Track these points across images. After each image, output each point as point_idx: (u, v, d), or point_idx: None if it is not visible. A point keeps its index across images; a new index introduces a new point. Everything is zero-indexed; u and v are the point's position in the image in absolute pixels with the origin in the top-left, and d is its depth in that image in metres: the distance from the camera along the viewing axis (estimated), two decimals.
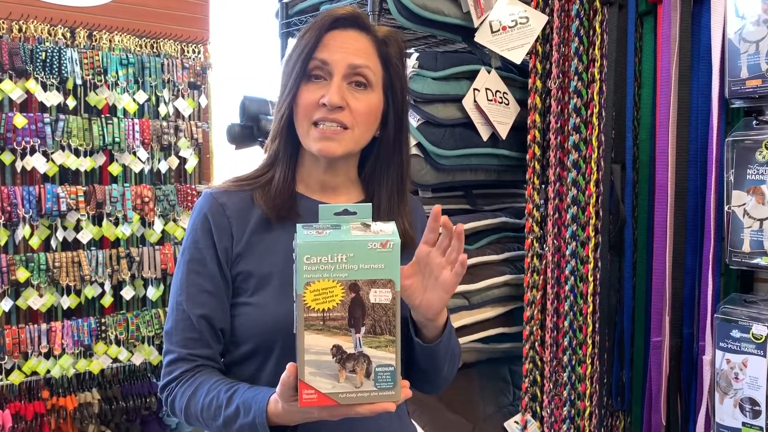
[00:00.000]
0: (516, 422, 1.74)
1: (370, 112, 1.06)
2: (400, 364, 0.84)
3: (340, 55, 1.03)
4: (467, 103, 1.71)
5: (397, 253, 0.84)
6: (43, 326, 3.00)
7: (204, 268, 1.04)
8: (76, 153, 3.09)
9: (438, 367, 1.09)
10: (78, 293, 3.12)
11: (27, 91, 2.95)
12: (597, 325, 1.62)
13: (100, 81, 3.13)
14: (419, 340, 1.04)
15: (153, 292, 3.30)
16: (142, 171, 3.30)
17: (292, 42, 2.30)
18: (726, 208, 1.41)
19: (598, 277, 1.61)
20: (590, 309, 1.62)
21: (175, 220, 3.37)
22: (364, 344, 0.83)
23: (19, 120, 2.89)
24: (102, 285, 3.16)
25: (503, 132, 1.76)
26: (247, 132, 2.71)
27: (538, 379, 1.72)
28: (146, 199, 3.24)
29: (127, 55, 3.21)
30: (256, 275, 1.04)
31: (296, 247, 0.83)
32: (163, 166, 3.35)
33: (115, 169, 3.20)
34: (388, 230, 0.86)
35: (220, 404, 0.96)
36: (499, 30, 1.71)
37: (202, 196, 1.10)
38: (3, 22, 2.94)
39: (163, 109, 3.33)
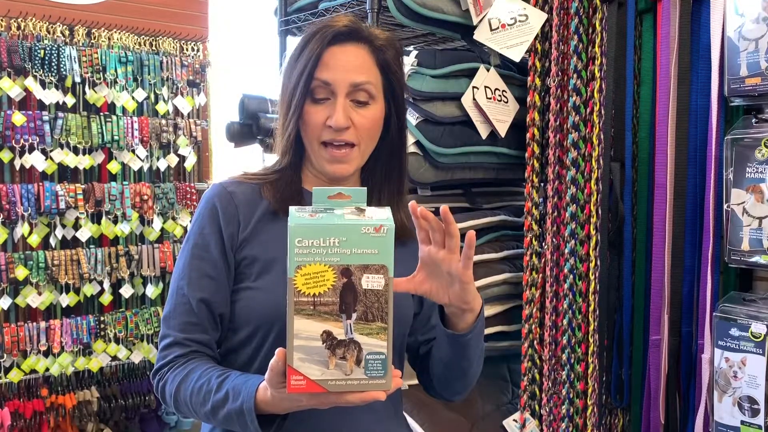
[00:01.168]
0: (515, 420, 1.74)
1: (374, 126, 1.09)
2: (391, 352, 0.82)
3: (342, 75, 1.05)
4: (466, 101, 1.70)
5: (391, 238, 0.81)
6: (42, 324, 3.00)
7: (207, 254, 1.06)
8: (75, 151, 3.08)
9: (469, 362, 1.07)
10: (77, 291, 3.11)
11: (26, 89, 2.94)
12: (596, 324, 1.62)
13: (99, 79, 3.12)
14: (452, 332, 1.02)
15: (152, 290, 3.30)
16: (141, 169, 3.30)
17: (291, 40, 2.30)
18: (725, 206, 1.40)
19: (597, 275, 1.61)
20: (589, 307, 1.62)
21: (174, 219, 3.37)
22: (355, 331, 0.81)
23: (18, 118, 2.89)
24: (101, 283, 3.15)
25: (502, 130, 1.76)
26: (246, 130, 2.71)
27: (537, 377, 1.72)
28: (145, 197, 3.24)
29: (126, 53, 3.21)
30: (260, 260, 1.05)
31: (288, 229, 0.81)
32: (162, 164, 3.35)
33: (114, 167, 3.20)
34: (382, 215, 0.84)
35: (210, 389, 0.96)
36: (498, 28, 1.71)
37: (211, 187, 1.12)
38: (2, 20, 2.93)
39: (162, 107, 3.33)
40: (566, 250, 1.65)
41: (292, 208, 0.85)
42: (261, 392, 0.89)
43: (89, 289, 3.11)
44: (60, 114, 3.02)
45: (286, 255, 0.81)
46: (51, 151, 3.01)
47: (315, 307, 0.80)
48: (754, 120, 1.40)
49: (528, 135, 1.71)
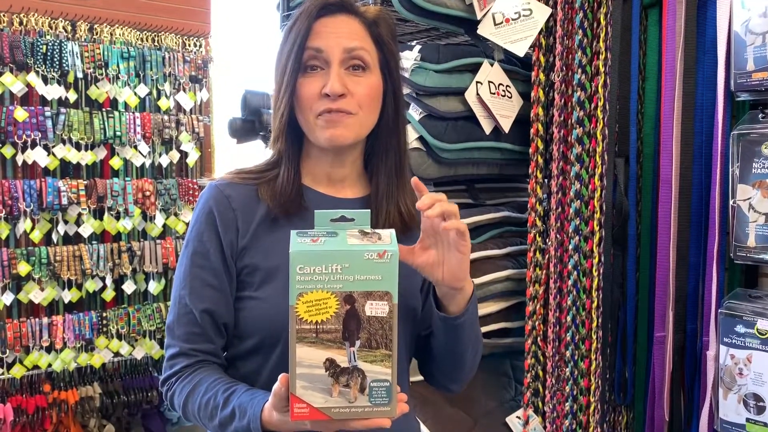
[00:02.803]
0: (518, 417, 1.73)
1: (372, 94, 1.04)
2: (396, 379, 0.82)
3: (334, 41, 1.01)
4: (470, 96, 1.69)
5: (395, 263, 0.80)
6: (45, 320, 3.00)
7: (207, 262, 1.03)
8: (77, 147, 3.08)
9: (463, 346, 1.06)
10: (79, 287, 3.11)
11: (28, 85, 2.94)
12: (600, 320, 1.61)
13: (101, 74, 3.12)
14: (445, 314, 1.02)
15: (154, 286, 3.30)
16: (143, 165, 3.30)
17: None
18: (731, 202, 1.39)
19: (601, 271, 1.60)
20: (593, 304, 1.61)
21: (176, 215, 3.37)
22: (359, 358, 0.80)
23: (20, 113, 2.89)
24: (103, 279, 3.15)
25: (506, 125, 1.75)
26: (248, 126, 2.71)
27: (540, 374, 1.71)
28: (147, 193, 3.24)
29: (128, 49, 3.20)
30: (262, 269, 1.02)
31: (289, 255, 0.80)
32: (164, 160, 3.35)
33: (116, 162, 3.20)
34: (386, 239, 0.82)
35: (217, 404, 0.96)
36: (502, 22, 1.70)
37: (206, 188, 1.08)
38: (3, 15, 2.93)
39: (164, 103, 3.32)
40: (570, 247, 1.64)
41: (293, 232, 0.83)
42: (266, 413, 0.88)
43: (91, 285, 3.12)
44: (62, 110, 3.02)
45: (287, 263, 0.79)
46: (53, 146, 3.01)
47: (318, 334, 0.79)
48: (760, 115, 1.38)
49: (532, 130, 1.70)
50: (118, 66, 3.16)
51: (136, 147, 3.24)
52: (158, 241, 3.30)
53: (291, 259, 0.79)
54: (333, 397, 0.80)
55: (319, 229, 0.85)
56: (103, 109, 3.15)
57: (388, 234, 0.84)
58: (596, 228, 1.60)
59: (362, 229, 0.85)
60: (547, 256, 1.69)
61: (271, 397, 0.85)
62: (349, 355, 0.80)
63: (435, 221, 0.92)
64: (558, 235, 1.66)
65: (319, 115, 1.01)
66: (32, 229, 2.96)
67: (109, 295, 3.18)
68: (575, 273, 1.64)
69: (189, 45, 3.44)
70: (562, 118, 1.65)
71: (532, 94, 1.70)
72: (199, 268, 1.03)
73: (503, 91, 1.75)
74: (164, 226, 3.33)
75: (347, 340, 0.80)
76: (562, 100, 1.64)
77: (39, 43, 2.94)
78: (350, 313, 0.80)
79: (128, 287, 3.23)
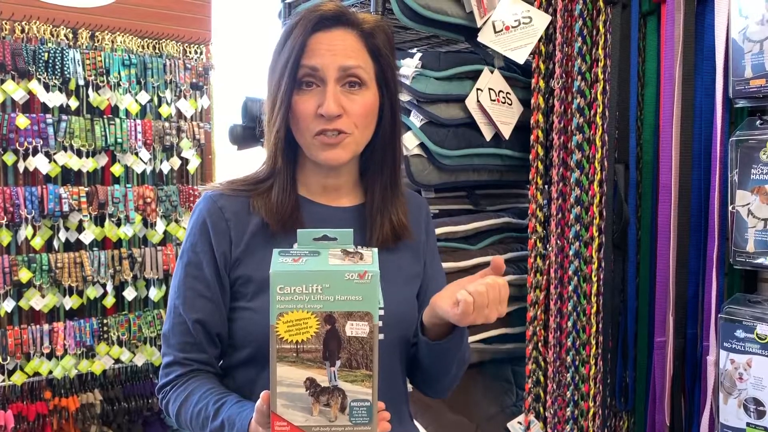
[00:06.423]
0: (519, 423, 1.74)
1: (368, 112, 1.04)
2: (377, 399, 0.82)
3: (330, 59, 1.00)
4: (470, 103, 1.71)
5: (375, 284, 0.80)
6: (46, 327, 3.00)
7: (200, 272, 1.04)
8: (79, 154, 3.09)
9: (447, 366, 1.07)
10: (80, 294, 3.11)
11: (29, 92, 2.95)
12: (600, 326, 1.62)
13: (103, 82, 3.13)
14: (427, 338, 1.03)
15: (155, 293, 3.30)
16: (144, 172, 3.30)
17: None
18: (730, 207, 1.40)
19: (601, 277, 1.61)
20: (593, 309, 1.62)
21: (177, 221, 3.37)
22: (340, 378, 0.81)
23: (22, 121, 2.89)
24: (104, 286, 3.16)
25: (506, 132, 1.76)
26: (249, 132, 2.71)
27: (542, 379, 1.72)
28: (148, 200, 3.24)
29: (129, 56, 3.21)
30: (256, 280, 1.03)
31: (269, 275, 0.80)
32: (165, 167, 3.35)
33: (117, 169, 3.20)
34: (368, 259, 0.83)
35: (208, 415, 0.97)
36: (502, 30, 1.71)
37: (201, 199, 1.08)
38: (5, 23, 2.94)
39: (165, 110, 3.33)
40: (570, 252, 1.65)
41: (275, 251, 0.83)
42: (253, 427, 0.89)
43: (92, 292, 3.12)
44: (63, 117, 3.02)
45: None
46: (54, 153, 3.02)
47: (298, 354, 0.80)
48: (758, 121, 1.40)
49: (532, 137, 1.71)
50: (119, 73, 3.17)
51: (137, 154, 3.24)
52: (159, 247, 3.31)
53: (271, 279, 0.79)
54: (313, 416, 0.80)
55: (301, 248, 0.85)
56: (105, 116, 3.16)
57: (370, 254, 0.84)
58: (596, 234, 1.61)
59: (344, 248, 0.85)
60: (547, 262, 1.70)
61: (255, 412, 0.86)
62: (329, 375, 0.81)
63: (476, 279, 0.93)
64: (558, 241, 1.67)
65: (316, 135, 1.01)
66: (33, 236, 2.97)
67: (109, 301, 3.18)
68: (576, 278, 1.64)
69: (190, 52, 3.46)
70: (561, 125, 1.66)
71: (532, 101, 1.71)
72: (193, 278, 1.04)
73: (503, 98, 1.76)
74: (165, 232, 3.34)
75: (328, 360, 0.80)
76: (562, 107, 1.66)
77: (41, 51, 2.96)
78: (331, 333, 0.80)
79: (129, 294, 3.23)
